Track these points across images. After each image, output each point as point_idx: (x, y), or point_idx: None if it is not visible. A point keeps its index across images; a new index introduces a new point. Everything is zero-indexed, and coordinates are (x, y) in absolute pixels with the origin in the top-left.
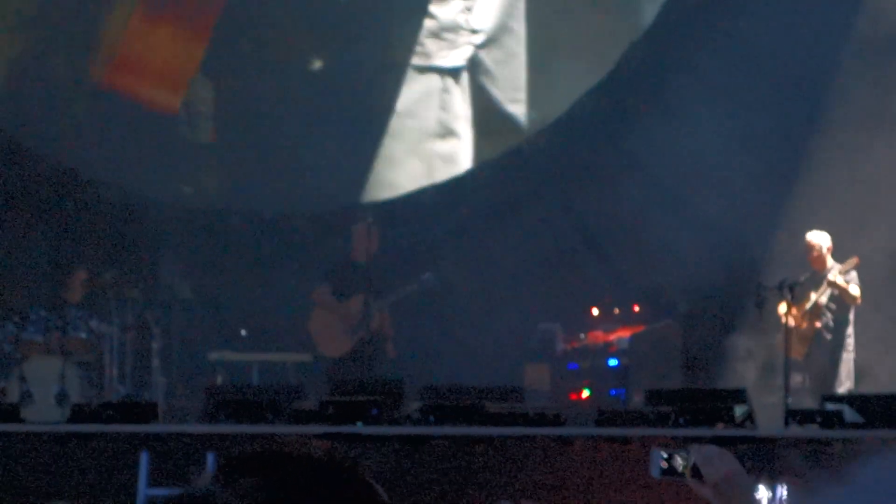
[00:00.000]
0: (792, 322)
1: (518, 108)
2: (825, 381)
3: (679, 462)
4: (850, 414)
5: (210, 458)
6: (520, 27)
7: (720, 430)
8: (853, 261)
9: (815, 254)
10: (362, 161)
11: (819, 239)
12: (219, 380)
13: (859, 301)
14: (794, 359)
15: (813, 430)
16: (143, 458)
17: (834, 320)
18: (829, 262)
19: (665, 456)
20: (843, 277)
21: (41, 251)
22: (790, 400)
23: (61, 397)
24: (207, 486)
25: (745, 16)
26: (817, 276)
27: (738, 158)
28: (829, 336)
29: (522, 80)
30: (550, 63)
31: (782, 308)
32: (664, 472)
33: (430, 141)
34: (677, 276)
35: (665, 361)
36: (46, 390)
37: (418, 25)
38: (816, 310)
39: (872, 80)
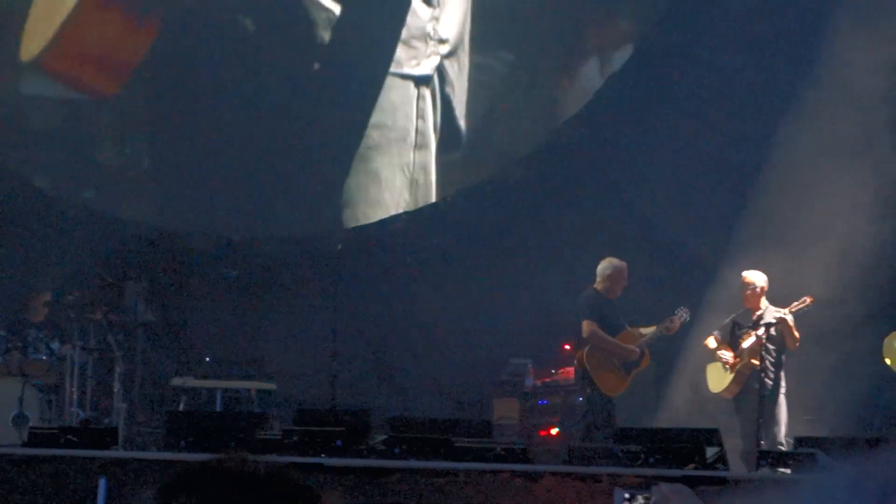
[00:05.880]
0: (730, 361)
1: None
2: (761, 421)
3: (640, 501)
4: (822, 457)
5: (102, 483)
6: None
7: (690, 470)
8: (806, 300)
9: (749, 292)
10: (340, 178)
11: (755, 278)
12: (181, 406)
13: (798, 344)
14: (725, 398)
15: (784, 474)
16: (102, 485)
17: (772, 362)
18: (764, 302)
19: (627, 496)
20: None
21: (1, 270)
22: (763, 442)
23: (19, 420)
24: None
25: (723, 47)
26: (751, 315)
27: (710, 188)
28: (768, 377)
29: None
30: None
31: (711, 343)
32: None
33: (409, 152)
34: (653, 309)
35: (637, 399)
36: (4, 412)
37: (397, 34)
38: (752, 350)
39: (828, 117)
